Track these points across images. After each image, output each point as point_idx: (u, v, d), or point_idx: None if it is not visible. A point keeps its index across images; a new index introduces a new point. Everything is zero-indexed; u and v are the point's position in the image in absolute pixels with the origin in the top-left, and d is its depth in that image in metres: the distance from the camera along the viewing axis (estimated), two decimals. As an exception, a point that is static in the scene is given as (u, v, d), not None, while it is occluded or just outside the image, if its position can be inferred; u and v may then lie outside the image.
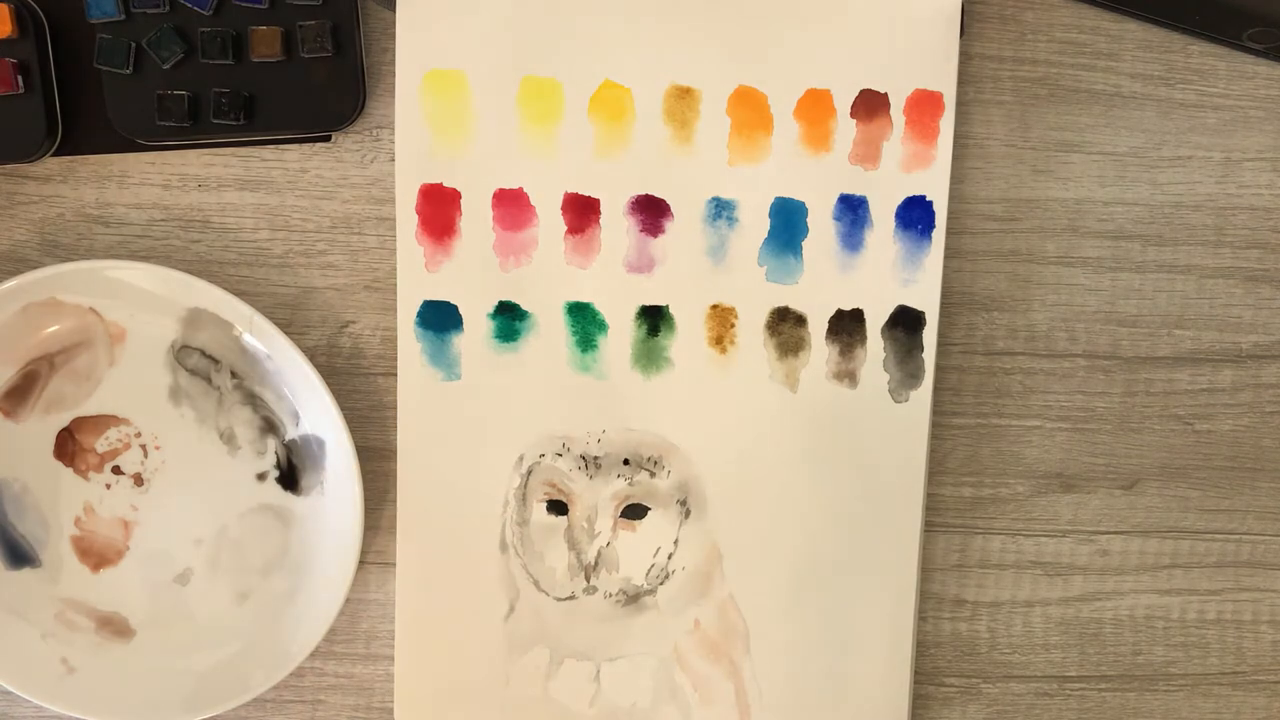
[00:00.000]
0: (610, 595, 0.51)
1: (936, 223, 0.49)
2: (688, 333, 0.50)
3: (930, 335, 0.50)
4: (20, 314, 0.49)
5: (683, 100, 0.49)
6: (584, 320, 0.50)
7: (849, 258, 0.50)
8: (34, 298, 0.48)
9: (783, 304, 0.50)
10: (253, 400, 0.50)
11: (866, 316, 0.50)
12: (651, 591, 0.51)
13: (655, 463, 0.50)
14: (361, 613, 0.52)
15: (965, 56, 0.50)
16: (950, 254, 0.50)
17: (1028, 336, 0.51)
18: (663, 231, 0.50)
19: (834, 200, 0.49)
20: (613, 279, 0.50)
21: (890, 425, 0.50)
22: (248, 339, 0.49)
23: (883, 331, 0.50)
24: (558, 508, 0.51)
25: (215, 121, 0.48)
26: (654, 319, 0.50)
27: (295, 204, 0.51)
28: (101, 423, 0.50)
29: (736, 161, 0.49)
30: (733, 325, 0.50)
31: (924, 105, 0.49)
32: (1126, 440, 0.52)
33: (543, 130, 0.49)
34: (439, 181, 0.49)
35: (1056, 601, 0.52)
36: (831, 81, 0.49)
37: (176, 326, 0.50)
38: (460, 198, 0.50)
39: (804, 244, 0.50)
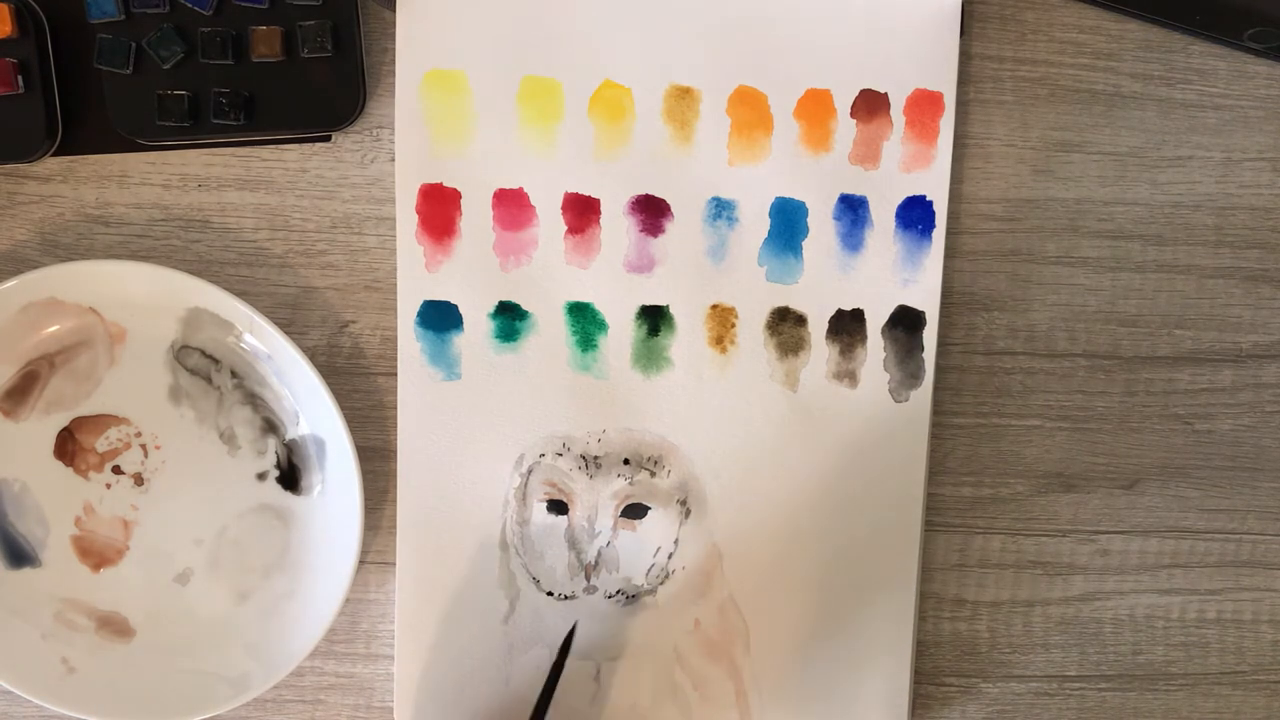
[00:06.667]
0: (610, 595, 0.51)
1: (936, 223, 0.49)
2: (688, 333, 0.50)
3: (930, 335, 0.50)
4: (20, 314, 0.49)
5: (683, 100, 0.49)
6: (584, 320, 0.50)
7: (849, 258, 0.50)
8: (34, 298, 0.48)
9: (783, 304, 0.50)
10: (253, 400, 0.50)
11: (867, 316, 0.50)
12: (651, 591, 0.51)
13: (655, 462, 0.50)
14: (361, 613, 0.52)
15: (965, 56, 0.50)
16: (950, 254, 0.50)
17: (1028, 336, 0.51)
18: (663, 231, 0.50)
19: (834, 200, 0.49)
20: (613, 279, 0.50)
21: (890, 425, 0.50)
22: (248, 339, 0.49)
23: (883, 331, 0.50)
24: (558, 507, 0.51)
25: (215, 121, 0.49)
26: (654, 319, 0.50)
27: (295, 204, 0.51)
28: (101, 423, 0.50)
29: (736, 161, 0.49)
30: (733, 325, 0.50)
31: (924, 105, 0.49)
32: (1126, 440, 0.52)
33: (543, 130, 0.49)
34: (439, 181, 0.50)
35: (1056, 601, 0.52)
36: (831, 81, 0.49)
37: (176, 326, 0.50)
38: (460, 198, 0.50)
39: (804, 244, 0.50)
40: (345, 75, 0.49)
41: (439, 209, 0.50)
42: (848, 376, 0.50)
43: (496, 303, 0.50)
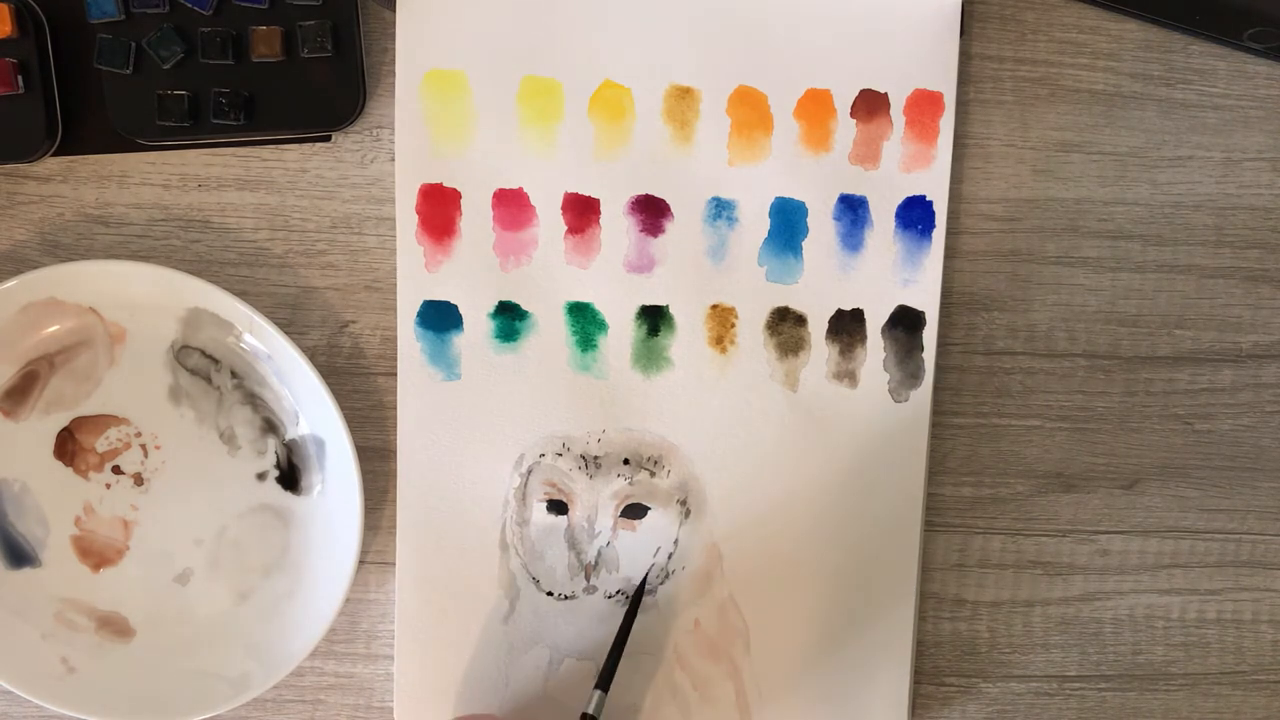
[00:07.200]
0: (610, 595, 0.51)
1: (936, 223, 0.49)
2: (688, 333, 0.50)
3: (930, 335, 0.50)
4: (20, 314, 0.49)
5: (683, 100, 0.49)
6: (584, 320, 0.50)
7: (849, 258, 0.50)
8: (34, 298, 0.48)
9: (783, 304, 0.50)
10: (253, 400, 0.50)
11: (866, 316, 0.50)
12: (651, 591, 0.51)
13: (655, 462, 0.50)
14: (361, 613, 0.52)
15: (965, 56, 0.50)
16: (950, 254, 0.50)
17: (1028, 336, 0.51)
18: (663, 231, 0.50)
19: (834, 200, 0.49)
20: (613, 279, 0.50)
21: (890, 425, 0.50)
22: (248, 339, 0.49)
23: (883, 331, 0.50)
24: (558, 507, 0.51)
25: (215, 121, 0.49)
26: (654, 319, 0.50)
27: (295, 204, 0.51)
28: (101, 423, 0.50)
29: (736, 161, 0.49)
30: (733, 325, 0.50)
31: (924, 105, 0.49)
32: (1126, 440, 0.52)
33: (543, 130, 0.49)
34: (439, 181, 0.50)
35: (1056, 601, 0.52)
36: (831, 81, 0.49)
37: (176, 326, 0.50)
38: (460, 198, 0.50)
39: (804, 244, 0.50)
40: (345, 75, 0.49)
41: (439, 209, 0.50)
42: (848, 376, 0.50)
43: (496, 303, 0.50)
